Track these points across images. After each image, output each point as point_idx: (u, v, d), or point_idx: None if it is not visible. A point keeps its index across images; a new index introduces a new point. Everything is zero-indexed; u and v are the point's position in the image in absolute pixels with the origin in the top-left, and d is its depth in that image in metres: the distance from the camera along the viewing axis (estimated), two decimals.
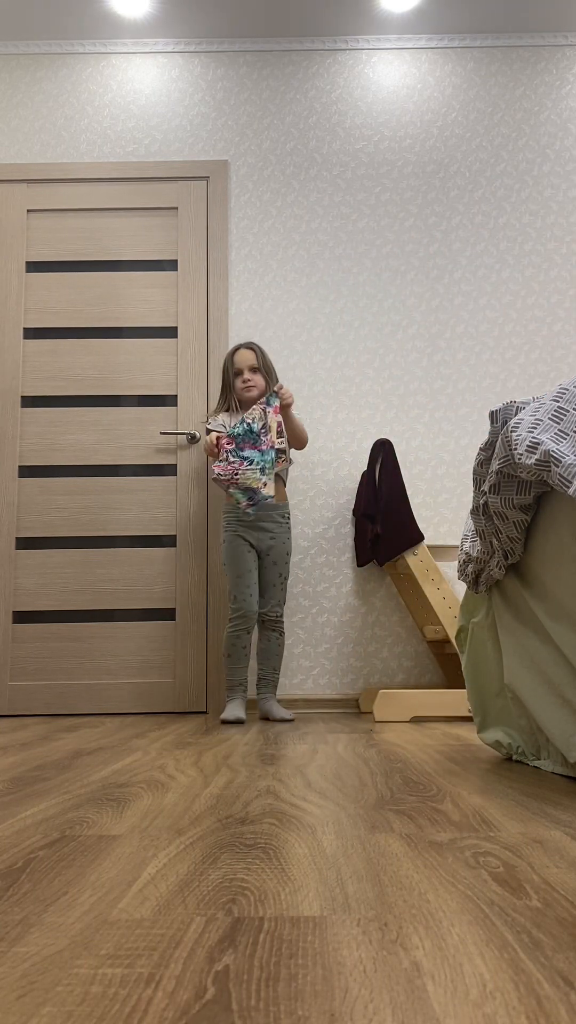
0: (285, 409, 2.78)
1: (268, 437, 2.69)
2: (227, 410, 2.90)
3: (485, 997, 0.51)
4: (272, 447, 2.69)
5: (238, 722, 2.56)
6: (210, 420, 2.89)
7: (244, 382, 2.87)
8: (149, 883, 0.77)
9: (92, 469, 3.17)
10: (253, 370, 2.89)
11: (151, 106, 3.43)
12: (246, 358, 2.89)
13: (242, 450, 2.67)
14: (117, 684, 3.03)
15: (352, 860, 0.85)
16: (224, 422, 2.85)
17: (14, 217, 3.32)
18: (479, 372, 3.27)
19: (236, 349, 2.92)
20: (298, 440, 2.89)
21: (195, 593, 3.09)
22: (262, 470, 2.67)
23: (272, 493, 2.68)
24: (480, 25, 3.39)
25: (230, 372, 2.91)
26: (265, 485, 2.66)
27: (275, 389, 2.76)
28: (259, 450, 2.68)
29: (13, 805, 1.19)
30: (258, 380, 2.89)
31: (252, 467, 2.66)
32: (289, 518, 2.88)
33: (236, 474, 2.65)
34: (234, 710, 2.61)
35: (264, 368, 2.90)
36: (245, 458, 2.66)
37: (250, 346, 2.92)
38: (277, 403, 2.75)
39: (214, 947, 0.60)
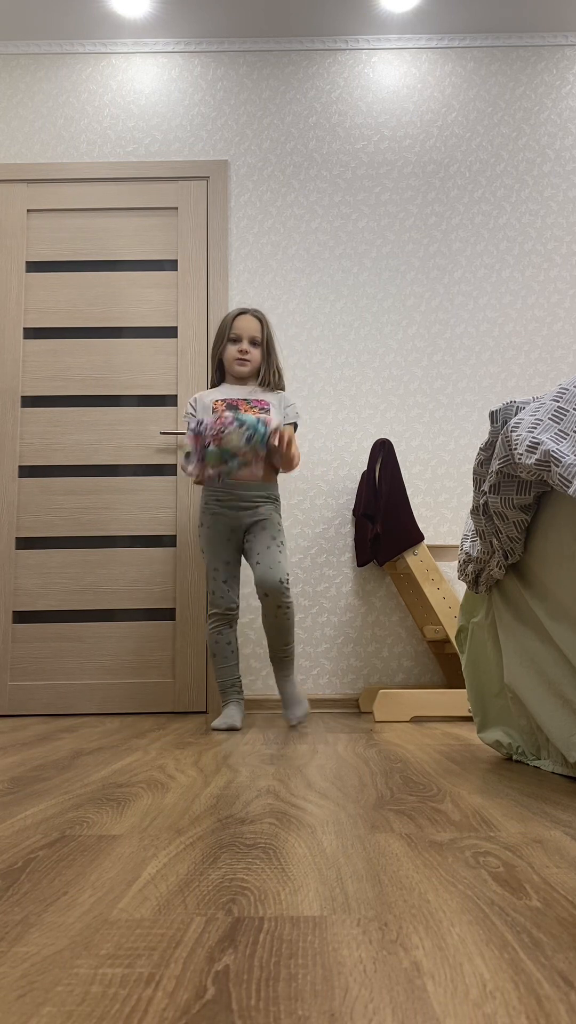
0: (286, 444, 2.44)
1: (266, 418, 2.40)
2: (216, 386, 2.63)
3: (485, 997, 0.51)
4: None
5: (231, 730, 2.33)
6: (193, 407, 2.55)
7: (241, 353, 2.54)
8: (149, 883, 0.77)
9: (92, 469, 3.17)
10: (253, 343, 2.57)
11: (151, 106, 3.43)
12: (249, 326, 2.56)
13: (237, 408, 2.45)
14: (117, 684, 3.03)
15: (352, 860, 0.85)
16: (207, 405, 2.53)
17: (14, 217, 3.32)
18: (479, 372, 3.27)
19: (240, 313, 2.58)
20: (288, 464, 2.49)
21: (195, 593, 3.09)
22: (248, 439, 2.33)
23: (252, 473, 2.40)
24: (480, 25, 3.39)
25: (225, 337, 2.57)
26: (248, 463, 2.36)
27: (272, 437, 2.38)
28: (257, 415, 2.38)
29: (13, 805, 1.19)
30: (255, 355, 2.57)
31: (240, 430, 2.32)
32: (278, 500, 2.56)
33: (223, 430, 2.31)
34: (227, 717, 2.38)
35: (266, 345, 2.59)
36: (240, 421, 2.34)
37: (256, 314, 2.59)
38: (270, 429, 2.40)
39: (214, 947, 0.60)
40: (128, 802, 1.20)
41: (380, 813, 1.10)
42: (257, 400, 2.55)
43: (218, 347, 2.62)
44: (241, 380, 2.61)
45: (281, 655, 2.48)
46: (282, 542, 2.49)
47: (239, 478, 2.46)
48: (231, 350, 2.57)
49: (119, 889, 0.76)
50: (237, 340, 2.56)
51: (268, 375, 2.60)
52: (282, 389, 2.65)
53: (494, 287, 3.31)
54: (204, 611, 3.08)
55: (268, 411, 2.52)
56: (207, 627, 2.53)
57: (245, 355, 2.55)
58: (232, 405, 2.52)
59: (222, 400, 2.54)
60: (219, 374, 2.65)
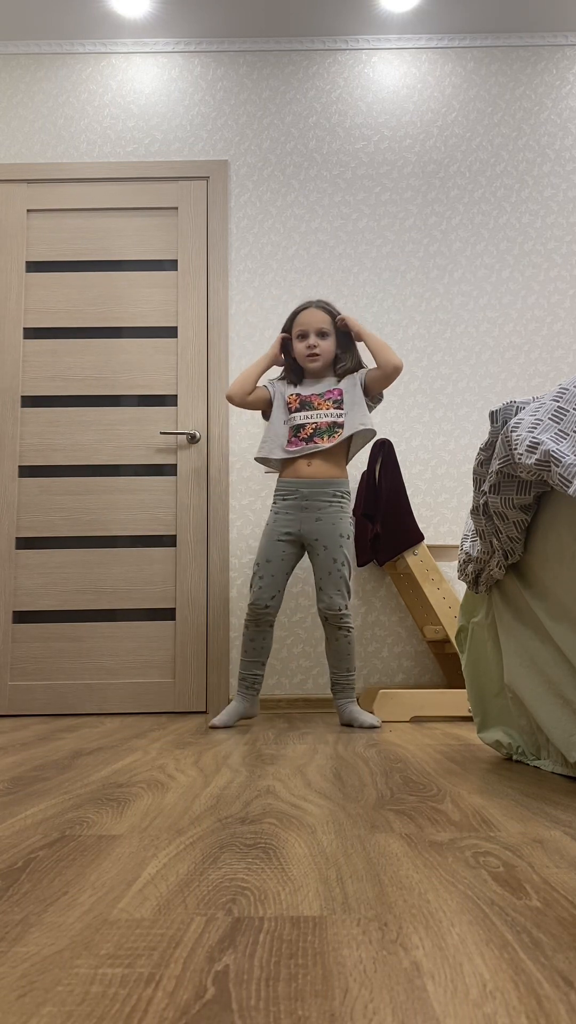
0: (359, 335, 2.50)
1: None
2: (289, 380, 2.57)
3: (485, 997, 0.51)
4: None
5: (224, 727, 2.35)
6: (271, 390, 2.56)
7: (309, 348, 2.48)
8: (149, 883, 0.77)
9: (92, 469, 3.17)
10: (322, 334, 2.49)
11: (151, 106, 3.43)
12: (313, 319, 2.49)
13: (311, 404, 2.50)
14: (117, 684, 3.03)
15: (352, 860, 0.85)
16: (280, 390, 2.54)
17: (14, 217, 3.32)
18: (479, 372, 3.27)
19: (302, 308, 2.54)
20: (384, 359, 2.44)
21: (195, 593, 3.09)
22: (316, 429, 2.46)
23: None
24: (480, 25, 3.39)
25: (292, 330, 2.53)
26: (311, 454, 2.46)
27: (338, 321, 2.50)
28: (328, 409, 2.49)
29: (13, 805, 1.19)
30: (326, 347, 2.49)
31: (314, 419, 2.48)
32: (346, 497, 2.50)
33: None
34: (224, 713, 2.40)
35: (337, 333, 2.53)
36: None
37: (322, 305, 2.52)
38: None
39: (214, 947, 0.60)
40: (128, 802, 1.20)
41: (380, 813, 1.10)
42: (330, 391, 2.51)
43: (286, 346, 2.57)
44: (317, 375, 2.55)
45: (344, 682, 2.44)
46: (344, 561, 2.44)
47: (304, 475, 2.47)
48: (299, 347, 2.51)
49: (119, 889, 0.76)
50: (304, 336, 2.50)
51: (348, 363, 2.54)
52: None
53: (494, 287, 3.31)
54: (204, 611, 3.08)
55: (341, 401, 2.49)
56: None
57: (314, 349, 2.49)
58: (306, 401, 2.51)
59: (296, 395, 2.53)
60: (297, 372, 2.58)
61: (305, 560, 3.18)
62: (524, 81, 3.44)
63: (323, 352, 2.50)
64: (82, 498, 3.15)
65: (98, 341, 3.25)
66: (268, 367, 2.58)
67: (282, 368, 2.62)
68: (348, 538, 2.48)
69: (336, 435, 2.46)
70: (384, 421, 3.22)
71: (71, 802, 1.20)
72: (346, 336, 2.55)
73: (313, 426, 2.48)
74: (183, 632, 3.06)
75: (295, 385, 2.56)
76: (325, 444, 2.46)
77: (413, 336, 3.28)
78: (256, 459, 2.57)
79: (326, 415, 2.48)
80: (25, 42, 3.44)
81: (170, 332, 3.26)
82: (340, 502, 2.48)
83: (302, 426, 2.49)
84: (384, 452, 2.87)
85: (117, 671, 3.04)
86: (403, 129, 3.42)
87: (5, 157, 3.39)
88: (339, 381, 2.54)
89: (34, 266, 3.30)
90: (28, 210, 3.33)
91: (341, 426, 2.47)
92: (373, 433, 2.50)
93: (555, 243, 3.34)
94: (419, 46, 3.46)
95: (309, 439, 2.47)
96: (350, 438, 2.48)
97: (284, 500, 2.49)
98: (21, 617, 3.08)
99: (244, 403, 2.55)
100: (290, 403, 2.53)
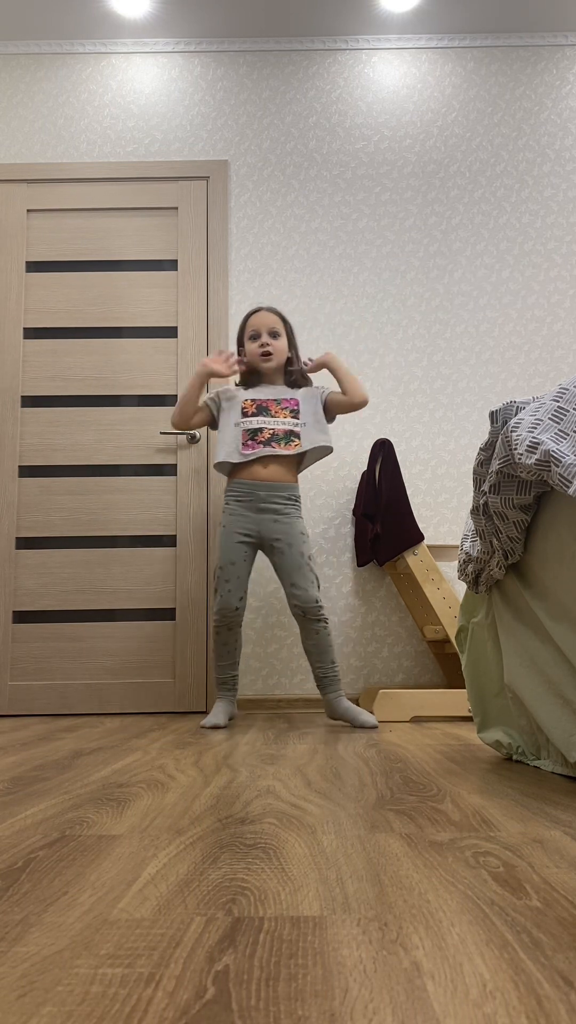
0: (330, 367, 2.54)
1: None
2: (244, 385, 2.62)
3: (485, 997, 0.51)
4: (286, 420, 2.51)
5: (215, 727, 2.36)
6: (215, 401, 2.60)
7: (261, 346, 2.53)
8: (149, 883, 0.77)
9: (92, 469, 3.17)
10: (274, 335, 2.55)
11: (151, 106, 3.43)
12: (265, 320, 2.55)
13: (268, 410, 2.52)
14: (117, 684, 3.03)
15: (352, 860, 0.85)
16: (230, 397, 2.57)
17: (14, 217, 3.32)
18: (479, 372, 3.27)
19: (253, 312, 2.60)
20: (355, 389, 2.51)
21: (195, 593, 3.09)
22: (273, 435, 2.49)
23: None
24: (480, 25, 3.39)
25: (244, 336, 2.59)
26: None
27: (305, 367, 2.58)
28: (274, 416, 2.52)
29: (13, 805, 1.19)
30: (279, 346, 2.55)
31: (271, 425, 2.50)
32: (298, 501, 2.55)
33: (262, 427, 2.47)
34: (212, 715, 2.43)
35: (289, 337, 2.60)
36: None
37: (271, 308, 2.60)
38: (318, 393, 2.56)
39: (214, 947, 0.60)
40: (128, 802, 1.20)
41: (380, 813, 1.10)
42: (287, 400, 2.56)
43: (240, 352, 2.63)
44: (270, 378, 2.59)
45: (331, 675, 2.47)
46: (310, 555, 2.49)
47: (260, 477, 2.50)
48: (252, 348, 2.56)
49: (119, 889, 0.76)
50: (256, 336, 2.56)
51: (296, 371, 2.60)
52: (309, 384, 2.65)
53: (494, 287, 3.31)
54: (204, 611, 3.08)
55: (298, 411, 2.54)
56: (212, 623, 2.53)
57: (267, 346, 2.54)
58: (262, 406, 2.54)
59: (252, 400, 2.55)
60: (251, 376, 2.63)
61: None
62: (524, 81, 3.44)
63: (276, 351, 2.55)
64: (82, 498, 3.15)
65: (98, 341, 3.25)
66: (202, 384, 2.55)
67: (236, 378, 2.65)
68: (307, 535, 2.54)
69: (293, 444, 2.51)
70: (384, 421, 3.23)
71: (71, 802, 1.20)
72: (291, 343, 2.61)
73: (271, 431, 2.51)
74: (183, 632, 3.06)
75: (246, 389, 2.60)
76: (283, 450, 2.50)
77: (413, 336, 3.28)
78: (215, 466, 2.58)
79: (283, 423, 2.53)
80: (25, 42, 3.44)
81: (170, 332, 3.26)
82: (295, 505, 2.54)
83: (259, 430, 2.51)
84: (384, 452, 2.87)
85: (117, 671, 3.04)
86: (403, 129, 3.42)
87: (5, 157, 3.39)
88: (293, 391, 2.59)
89: (34, 266, 3.30)
90: (28, 210, 3.33)
91: (297, 435, 2.52)
92: (330, 451, 2.56)
93: (555, 243, 3.34)
94: (419, 46, 3.46)
95: (267, 443, 2.50)
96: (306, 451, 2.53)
97: (239, 502, 2.52)
98: (21, 617, 3.08)
99: (188, 427, 2.61)
100: (246, 408, 2.54)
